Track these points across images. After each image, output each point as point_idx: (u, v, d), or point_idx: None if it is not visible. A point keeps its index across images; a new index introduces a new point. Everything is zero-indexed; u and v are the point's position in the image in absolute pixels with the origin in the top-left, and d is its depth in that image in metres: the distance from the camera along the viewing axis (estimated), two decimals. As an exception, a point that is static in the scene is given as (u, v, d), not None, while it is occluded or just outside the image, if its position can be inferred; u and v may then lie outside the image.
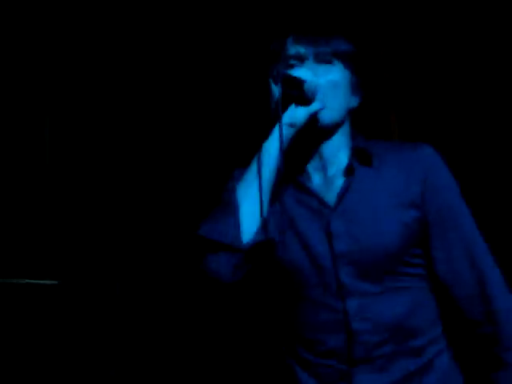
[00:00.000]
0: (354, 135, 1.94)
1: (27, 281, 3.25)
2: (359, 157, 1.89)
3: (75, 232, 3.28)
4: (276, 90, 1.80)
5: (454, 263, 1.84)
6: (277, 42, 1.90)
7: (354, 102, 1.93)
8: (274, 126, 1.81)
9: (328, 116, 1.85)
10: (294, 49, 1.86)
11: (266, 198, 1.79)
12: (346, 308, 1.81)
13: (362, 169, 1.88)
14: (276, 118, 1.78)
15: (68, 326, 3.23)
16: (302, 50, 1.85)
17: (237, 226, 1.76)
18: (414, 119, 3.01)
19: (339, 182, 1.88)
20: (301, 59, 1.86)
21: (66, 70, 3.31)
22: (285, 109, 1.80)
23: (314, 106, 1.81)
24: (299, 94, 1.79)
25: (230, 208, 1.78)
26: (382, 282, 1.82)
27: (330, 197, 1.87)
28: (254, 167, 1.80)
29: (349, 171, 1.88)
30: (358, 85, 1.92)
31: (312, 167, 1.92)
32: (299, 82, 1.78)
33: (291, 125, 1.80)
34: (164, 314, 3.24)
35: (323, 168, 1.91)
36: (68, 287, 3.25)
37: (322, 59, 1.86)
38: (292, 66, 1.85)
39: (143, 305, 3.27)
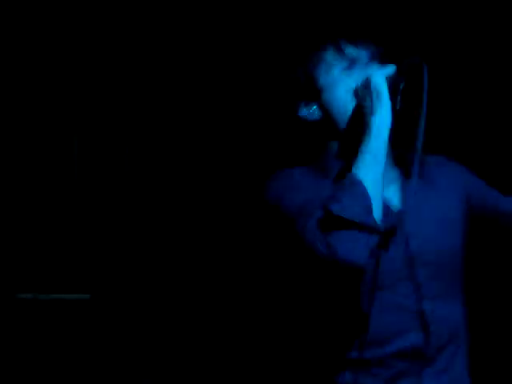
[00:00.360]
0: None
1: (57, 295, 3.26)
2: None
3: (105, 245, 3.29)
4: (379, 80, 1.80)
5: None
6: (325, 47, 1.91)
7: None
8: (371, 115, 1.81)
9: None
10: (353, 50, 1.89)
11: (382, 185, 1.79)
12: (422, 309, 1.84)
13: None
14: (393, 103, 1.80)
15: (100, 340, 3.25)
16: (360, 51, 1.89)
17: (370, 207, 1.74)
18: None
19: (395, 185, 1.92)
20: (354, 61, 1.89)
21: (92, 86, 3.34)
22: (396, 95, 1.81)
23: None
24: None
25: (356, 189, 1.76)
26: (450, 283, 1.88)
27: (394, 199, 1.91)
28: (368, 153, 1.79)
29: (406, 175, 1.92)
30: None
31: None
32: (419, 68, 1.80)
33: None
34: (187, 324, 3.27)
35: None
36: (99, 301, 3.27)
37: (379, 59, 1.89)
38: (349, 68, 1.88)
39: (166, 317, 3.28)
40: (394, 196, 1.91)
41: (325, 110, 1.92)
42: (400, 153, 1.95)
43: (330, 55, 1.92)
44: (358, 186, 1.75)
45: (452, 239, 1.90)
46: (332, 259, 1.70)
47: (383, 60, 1.87)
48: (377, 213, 1.74)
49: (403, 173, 1.94)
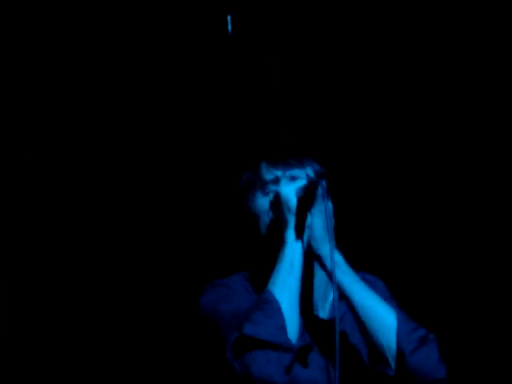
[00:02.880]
0: None
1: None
2: None
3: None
4: (290, 195, 1.88)
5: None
6: (250, 171, 2.03)
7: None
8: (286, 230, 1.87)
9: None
10: (269, 174, 1.99)
11: (298, 300, 1.84)
12: None
13: None
14: (299, 222, 1.86)
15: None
16: (276, 174, 1.98)
17: (282, 327, 1.79)
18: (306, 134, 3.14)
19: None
20: (276, 182, 1.97)
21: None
22: (304, 211, 1.88)
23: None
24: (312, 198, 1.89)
25: (270, 309, 1.81)
26: None
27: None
28: (283, 267, 1.85)
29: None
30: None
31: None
32: (315, 185, 1.88)
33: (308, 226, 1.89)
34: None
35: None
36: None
37: (295, 178, 1.96)
38: (269, 191, 1.96)
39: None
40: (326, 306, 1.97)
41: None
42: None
43: (251, 179, 2.03)
44: (272, 304, 1.80)
45: None
46: (247, 377, 1.77)
47: (296, 177, 1.96)
48: (292, 330, 1.79)
49: None
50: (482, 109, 3.09)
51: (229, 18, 3.15)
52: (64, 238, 3.27)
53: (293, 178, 1.97)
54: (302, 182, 1.91)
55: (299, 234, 1.87)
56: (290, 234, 1.87)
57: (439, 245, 3.13)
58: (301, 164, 2.00)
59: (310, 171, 1.99)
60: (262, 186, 1.99)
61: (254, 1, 3.22)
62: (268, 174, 2.00)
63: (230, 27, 3.18)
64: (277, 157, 2.04)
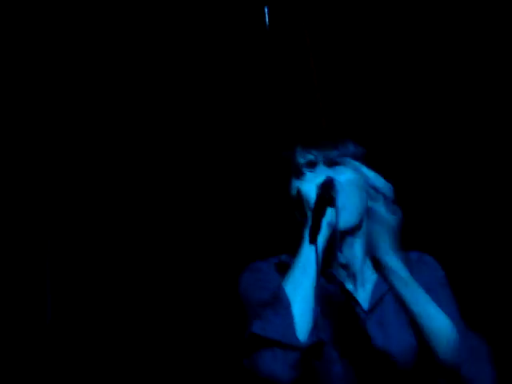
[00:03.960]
0: None
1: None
2: None
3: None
4: (310, 192, 1.86)
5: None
6: (288, 151, 2.00)
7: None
8: (305, 227, 1.83)
9: (346, 216, 1.89)
10: (302, 158, 1.95)
11: (313, 298, 1.81)
12: None
13: None
14: (314, 222, 1.80)
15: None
16: (311, 157, 1.94)
17: (291, 324, 1.78)
18: (344, 123, 3.12)
19: (369, 286, 1.96)
20: (311, 165, 1.94)
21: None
22: (320, 211, 1.82)
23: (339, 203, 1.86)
24: (331, 195, 1.83)
25: (281, 307, 1.80)
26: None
27: (363, 299, 1.95)
28: (299, 268, 1.83)
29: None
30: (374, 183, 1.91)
31: (341, 271, 1.98)
32: (330, 184, 1.84)
33: (330, 224, 1.84)
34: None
35: (353, 275, 1.97)
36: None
37: (332, 162, 1.94)
38: (303, 174, 1.93)
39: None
40: (365, 297, 1.95)
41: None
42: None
43: (286, 163, 2.01)
44: (282, 302, 1.79)
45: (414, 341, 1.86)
46: (255, 374, 1.78)
47: (328, 165, 1.93)
48: (302, 328, 1.77)
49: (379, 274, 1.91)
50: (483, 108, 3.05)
51: (266, 9, 3.13)
52: (64, 237, 3.29)
53: (329, 163, 1.94)
54: (321, 178, 1.87)
55: (315, 234, 1.81)
56: (308, 232, 1.82)
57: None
58: (335, 145, 1.97)
59: (346, 150, 1.96)
60: (296, 170, 1.97)
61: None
62: (301, 158, 1.97)
63: (267, 18, 3.16)
64: (312, 139, 2.01)
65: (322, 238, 1.83)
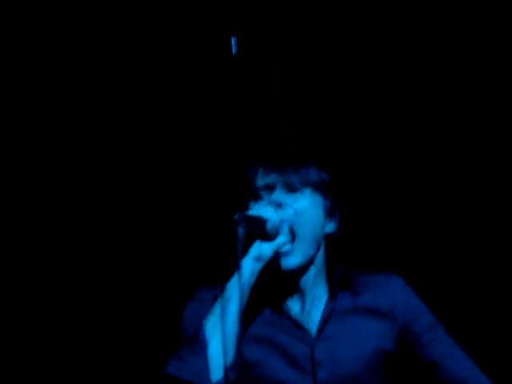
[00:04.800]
0: (330, 261, 1.98)
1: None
2: (340, 283, 1.95)
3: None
4: (239, 229, 1.82)
5: (459, 362, 1.93)
6: (248, 173, 1.97)
7: (329, 227, 1.96)
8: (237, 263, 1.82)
9: (297, 248, 1.88)
10: (262, 180, 1.92)
11: (233, 338, 1.78)
12: None
13: (341, 294, 1.94)
14: (238, 257, 1.80)
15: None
16: (269, 180, 1.91)
17: (206, 365, 1.75)
18: (307, 132, 3.13)
19: (319, 308, 1.94)
20: (270, 189, 1.91)
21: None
22: (250, 244, 1.84)
23: (279, 240, 1.85)
24: (262, 232, 1.83)
25: (199, 347, 1.78)
26: None
27: (311, 323, 1.92)
28: (220, 306, 1.81)
29: (331, 296, 1.93)
30: (333, 209, 1.95)
31: (290, 296, 1.96)
32: (261, 221, 1.83)
33: (257, 259, 1.83)
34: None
35: (301, 297, 1.95)
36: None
37: (291, 188, 1.91)
38: (261, 198, 1.90)
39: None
40: (315, 318, 1.93)
41: None
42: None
43: (246, 183, 2.00)
44: (200, 342, 1.77)
45: (366, 362, 1.88)
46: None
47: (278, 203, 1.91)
48: (217, 369, 1.74)
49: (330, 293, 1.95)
50: (482, 108, 3.07)
51: (229, 17, 3.15)
52: (63, 237, 3.27)
53: (288, 188, 1.93)
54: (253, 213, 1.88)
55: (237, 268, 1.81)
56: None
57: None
58: (297, 170, 1.95)
59: (307, 176, 1.95)
60: (255, 192, 1.94)
61: (255, 5, 3.21)
62: (261, 180, 1.94)
63: (232, 30, 3.17)
64: (274, 161, 1.98)
65: (251, 272, 1.83)
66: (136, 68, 3.27)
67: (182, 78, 3.27)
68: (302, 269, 1.94)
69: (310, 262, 1.94)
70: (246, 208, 1.93)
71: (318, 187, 1.95)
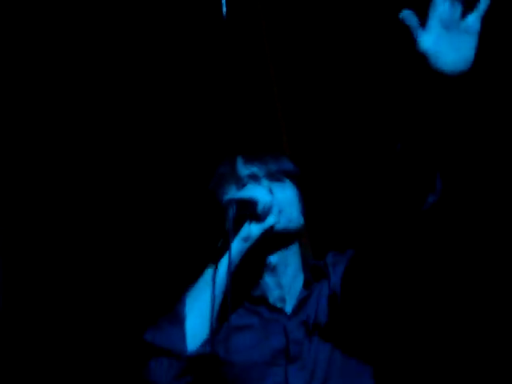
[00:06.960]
0: (302, 254, 2.04)
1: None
2: (313, 273, 2.01)
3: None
4: (229, 211, 1.87)
5: None
6: (226, 165, 2.01)
7: (302, 219, 2.02)
8: (227, 243, 1.86)
9: (284, 224, 1.94)
10: (246, 169, 1.98)
11: (212, 313, 1.84)
12: None
13: (314, 284, 2.00)
14: (229, 237, 1.85)
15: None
16: (254, 169, 1.97)
17: (181, 334, 1.81)
18: (305, 139, 3.12)
19: (294, 296, 1.98)
20: (254, 178, 1.96)
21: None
22: (239, 226, 1.88)
23: (269, 221, 1.91)
24: (253, 213, 1.88)
25: (176, 317, 1.84)
26: None
27: (287, 307, 1.97)
28: (203, 282, 1.87)
29: (306, 285, 1.99)
30: (302, 203, 2.02)
31: (268, 282, 1.99)
32: (252, 203, 1.88)
33: (245, 239, 1.89)
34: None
35: (279, 284, 1.99)
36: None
37: (275, 177, 1.97)
38: (245, 185, 1.95)
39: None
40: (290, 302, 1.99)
41: None
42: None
43: (226, 173, 2.06)
44: (178, 314, 1.84)
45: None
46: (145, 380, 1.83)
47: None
48: (194, 339, 1.81)
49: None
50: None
51: (224, 10, 3.13)
52: (61, 237, 3.24)
53: (271, 177, 1.98)
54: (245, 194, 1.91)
55: (223, 251, 1.87)
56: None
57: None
58: (276, 159, 2.01)
59: (285, 165, 2.01)
60: (238, 180, 1.98)
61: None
62: (244, 170, 1.99)
63: (226, 21, 3.16)
64: (253, 152, 2.03)
65: (238, 250, 1.88)
66: (129, 63, 3.26)
67: (180, 75, 3.26)
68: (285, 244, 1.99)
69: (288, 244, 2.00)
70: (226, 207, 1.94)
71: (295, 178, 2.02)
